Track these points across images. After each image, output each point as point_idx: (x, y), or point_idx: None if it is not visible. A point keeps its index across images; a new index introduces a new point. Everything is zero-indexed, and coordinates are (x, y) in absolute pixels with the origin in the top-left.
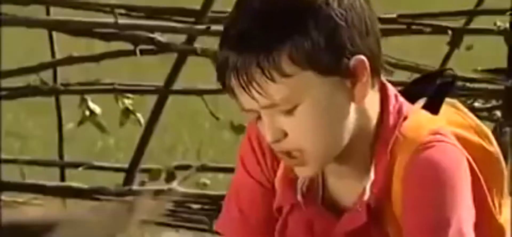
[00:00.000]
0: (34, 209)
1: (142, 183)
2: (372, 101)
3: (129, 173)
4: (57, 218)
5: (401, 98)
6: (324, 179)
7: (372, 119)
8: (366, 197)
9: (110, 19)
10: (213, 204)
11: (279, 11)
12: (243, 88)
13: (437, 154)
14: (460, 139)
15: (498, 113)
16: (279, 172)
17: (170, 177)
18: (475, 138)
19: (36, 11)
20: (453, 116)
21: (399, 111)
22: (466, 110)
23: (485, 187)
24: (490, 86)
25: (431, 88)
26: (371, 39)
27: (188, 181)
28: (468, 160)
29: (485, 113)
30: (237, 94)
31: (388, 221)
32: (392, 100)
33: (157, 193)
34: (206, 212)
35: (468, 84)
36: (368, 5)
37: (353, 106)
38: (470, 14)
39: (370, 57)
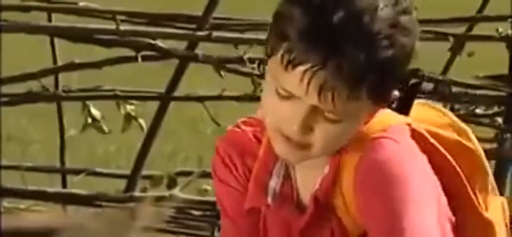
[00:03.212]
0: (35, 216)
1: (144, 190)
2: None
3: (131, 180)
4: (58, 224)
5: None
6: (297, 180)
7: None
8: (314, 189)
9: (111, 26)
10: (214, 210)
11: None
12: (319, 92)
13: (381, 156)
14: (433, 135)
15: (500, 120)
16: (252, 176)
17: (172, 183)
18: (451, 135)
19: (38, 17)
20: (429, 115)
21: None
22: (444, 109)
23: (465, 181)
24: (492, 93)
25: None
26: None
27: (189, 187)
28: (443, 155)
29: (486, 120)
30: (302, 79)
31: (342, 214)
32: None
33: (159, 199)
34: (207, 219)
35: (469, 90)
36: None
37: None
38: (472, 21)
39: None
